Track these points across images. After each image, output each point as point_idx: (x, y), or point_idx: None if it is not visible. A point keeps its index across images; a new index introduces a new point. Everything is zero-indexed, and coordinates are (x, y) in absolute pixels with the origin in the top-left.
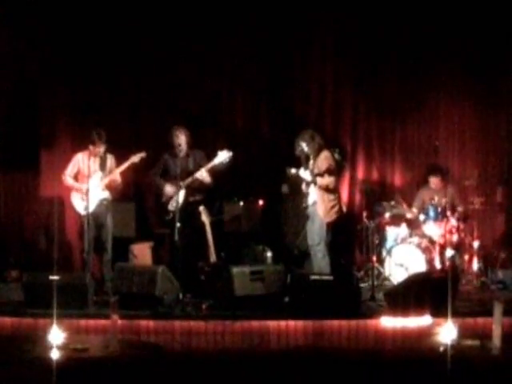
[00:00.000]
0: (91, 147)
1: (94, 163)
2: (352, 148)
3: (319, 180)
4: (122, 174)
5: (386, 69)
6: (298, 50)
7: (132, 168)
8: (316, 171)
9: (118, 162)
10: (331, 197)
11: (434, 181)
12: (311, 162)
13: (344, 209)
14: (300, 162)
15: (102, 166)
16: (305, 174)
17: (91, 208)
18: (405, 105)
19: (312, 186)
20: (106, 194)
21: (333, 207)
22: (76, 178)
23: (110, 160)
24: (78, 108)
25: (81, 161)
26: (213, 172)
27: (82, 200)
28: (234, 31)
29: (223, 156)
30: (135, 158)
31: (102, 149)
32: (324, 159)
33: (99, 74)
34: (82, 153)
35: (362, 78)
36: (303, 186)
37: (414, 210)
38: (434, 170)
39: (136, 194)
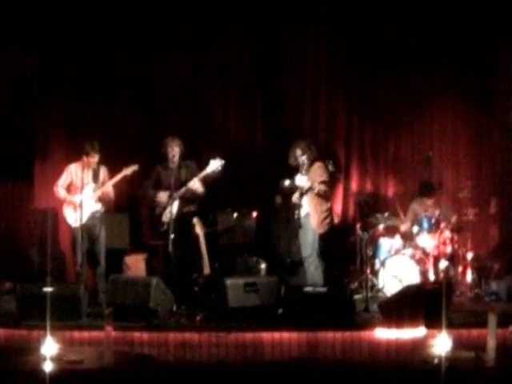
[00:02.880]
0: (85, 158)
1: (87, 175)
2: (346, 159)
3: (316, 186)
4: (115, 186)
5: (380, 80)
6: (292, 61)
7: (125, 180)
8: (309, 182)
9: (111, 174)
10: (324, 208)
11: (428, 201)
12: (304, 172)
13: (335, 220)
14: (293, 172)
15: (95, 178)
16: (301, 180)
17: (84, 220)
18: (398, 116)
19: (305, 196)
20: (99, 206)
21: (325, 218)
22: (68, 189)
23: (103, 172)
24: (73, 120)
25: (74, 172)
26: (205, 181)
27: (74, 212)
28: (227, 41)
29: (215, 164)
30: (127, 171)
31: (95, 159)
32: (317, 169)
33: (93, 86)
34: (75, 164)
35: (355, 89)
36: (295, 197)
37: (407, 221)
38: (427, 192)
39: (130, 206)
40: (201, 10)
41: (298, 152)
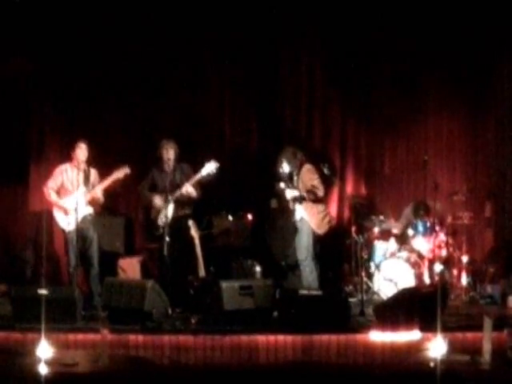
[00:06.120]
0: (73, 154)
1: (78, 178)
2: (341, 163)
3: (306, 195)
4: (108, 188)
5: (375, 83)
6: (287, 65)
7: (117, 183)
8: (301, 186)
9: (104, 177)
10: (320, 208)
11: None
12: (295, 178)
13: (333, 220)
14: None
15: (86, 181)
16: (292, 192)
17: (75, 223)
18: (394, 120)
19: (298, 202)
20: (90, 209)
21: (324, 218)
22: (58, 191)
23: (94, 175)
24: (67, 122)
25: (64, 174)
26: (201, 184)
27: (65, 215)
28: (223, 45)
29: (210, 167)
30: (119, 174)
31: (83, 151)
32: (307, 172)
33: (88, 88)
34: (65, 165)
35: (351, 93)
36: (290, 203)
37: (400, 225)
38: (422, 213)
39: (125, 209)
40: (196, 14)
41: (284, 161)
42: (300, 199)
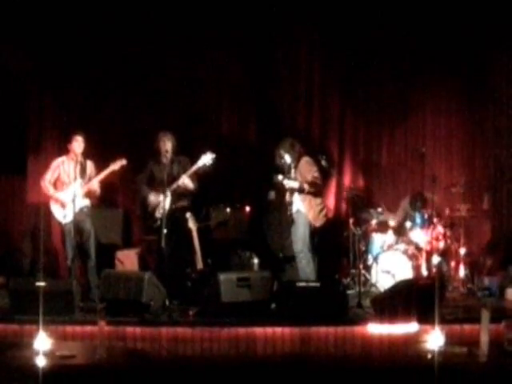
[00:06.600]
0: (69, 146)
1: (75, 170)
2: (339, 155)
3: (306, 186)
4: (105, 180)
5: (373, 77)
6: (285, 58)
7: (114, 175)
8: (299, 178)
9: (100, 169)
10: (318, 201)
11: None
12: (293, 170)
13: (329, 212)
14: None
15: (82, 173)
16: (290, 183)
17: (72, 215)
18: (392, 112)
19: (296, 194)
20: (86, 202)
21: (321, 211)
22: (55, 184)
23: (90, 167)
24: (65, 115)
25: (61, 166)
26: (198, 176)
27: (62, 208)
28: (221, 38)
29: (206, 158)
30: (115, 166)
31: (80, 143)
32: (305, 164)
33: (86, 80)
34: (62, 158)
35: (349, 85)
36: (287, 195)
37: (397, 218)
38: (419, 205)
39: (123, 201)
40: (193, 9)
41: (283, 153)
42: (299, 190)
